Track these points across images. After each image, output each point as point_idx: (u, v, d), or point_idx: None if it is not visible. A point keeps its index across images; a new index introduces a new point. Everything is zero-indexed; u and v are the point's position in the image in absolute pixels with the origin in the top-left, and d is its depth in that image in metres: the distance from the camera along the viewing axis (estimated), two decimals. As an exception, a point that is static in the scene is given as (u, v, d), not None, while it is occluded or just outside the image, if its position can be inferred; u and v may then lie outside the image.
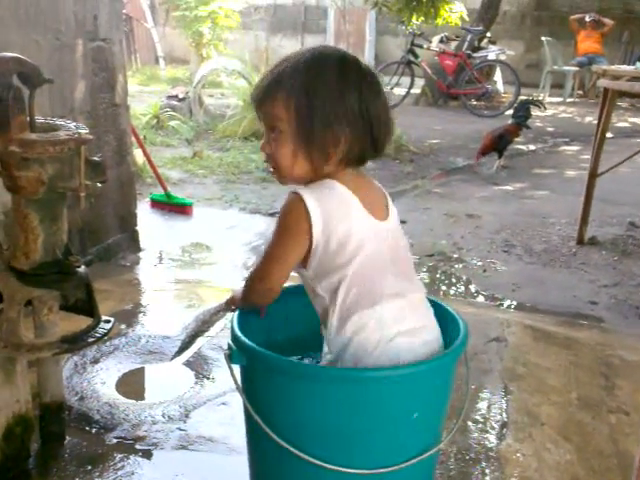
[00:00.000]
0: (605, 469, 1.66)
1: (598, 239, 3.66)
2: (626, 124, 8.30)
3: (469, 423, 1.84)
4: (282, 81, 1.16)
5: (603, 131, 3.37)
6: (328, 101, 1.13)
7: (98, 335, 1.56)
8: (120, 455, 1.64)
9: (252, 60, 7.32)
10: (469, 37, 9.25)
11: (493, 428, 1.83)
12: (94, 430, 1.74)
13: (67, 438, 1.68)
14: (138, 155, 4.14)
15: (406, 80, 9.01)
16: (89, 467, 1.58)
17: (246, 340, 1.18)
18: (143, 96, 7.91)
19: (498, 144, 5.43)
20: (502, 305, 2.81)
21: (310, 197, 1.13)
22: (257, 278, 1.25)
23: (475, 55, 9.22)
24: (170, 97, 6.90)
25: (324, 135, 1.13)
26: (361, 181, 1.21)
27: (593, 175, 3.50)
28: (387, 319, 1.16)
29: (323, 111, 1.13)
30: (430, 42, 9.36)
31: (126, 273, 2.88)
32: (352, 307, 1.16)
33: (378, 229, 1.18)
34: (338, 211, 1.14)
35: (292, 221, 1.15)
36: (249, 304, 1.30)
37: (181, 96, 6.87)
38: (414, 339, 1.18)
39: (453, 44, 9.57)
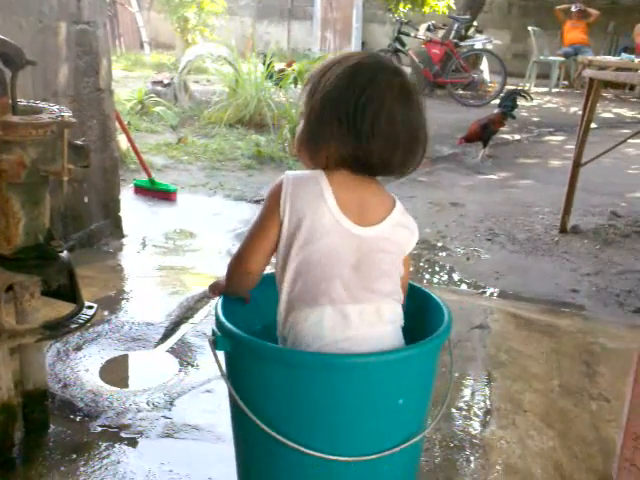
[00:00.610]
0: (587, 456, 1.68)
1: (580, 228, 3.69)
2: (610, 115, 8.36)
3: (453, 410, 1.85)
4: (313, 76, 1.19)
5: (588, 121, 3.38)
6: (326, 102, 1.14)
7: (81, 321, 1.55)
8: (105, 444, 1.63)
9: (238, 46, 7.25)
10: (456, 26, 9.24)
11: (477, 415, 1.85)
12: (78, 418, 1.73)
13: (51, 426, 1.67)
14: (122, 141, 4.10)
15: (392, 68, 8.98)
16: (74, 456, 1.57)
17: (231, 326, 1.17)
18: (127, 81, 7.82)
19: (483, 133, 5.44)
20: (485, 293, 2.83)
21: (288, 179, 1.17)
22: (236, 259, 1.24)
23: (462, 44, 9.22)
24: (155, 83, 6.82)
25: (316, 132, 1.16)
26: (354, 184, 1.17)
27: (577, 165, 3.52)
28: (326, 324, 1.14)
29: (321, 110, 1.15)
30: (417, 30, 9.34)
31: (109, 259, 2.86)
32: (296, 300, 1.17)
33: (347, 231, 1.15)
34: (304, 199, 1.14)
35: (269, 200, 1.18)
36: (231, 289, 1.29)
37: (166, 82, 6.79)
38: (349, 347, 1.15)
39: (440, 33, 9.55)
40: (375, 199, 1.20)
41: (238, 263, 1.24)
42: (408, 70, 9.47)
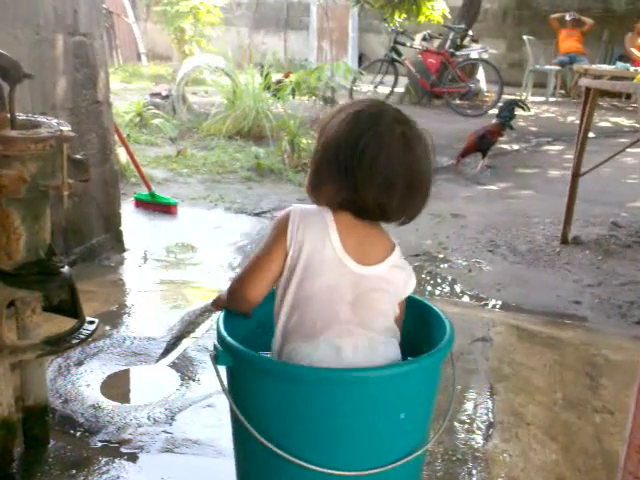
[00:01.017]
0: (590, 468, 1.68)
1: (582, 239, 3.69)
2: (608, 124, 8.38)
3: (456, 423, 1.84)
4: (322, 121, 1.24)
5: (585, 131, 3.39)
6: (328, 148, 1.18)
7: (82, 336, 1.55)
8: (105, 459, 1.62)
9: (235, 57, 7.28)
10: (451, 35, 9.26)
11: (479, 428, 1.84)
12: (78, 433, 1.72)
13: (51, 442, 1.65)
14: (121, 154, 4.11)
15: (390, 79, 9.02)
16: (74, 471, 1.56)
17: (232, 341, 1.17)
18: (126, 93, 7.84)
19: (480, 144, 5.45)
20: (487, 305, 2.82)
21: (296, 211, 1.20)
22: (236, 282, 1.26)
23: (458, 53, 9.25)
24: (153, 95, 6.84)
25: (319, 175, 1.21)
26: (357, 226, 1.20)
27: (576, 175, 3.53)
28: (318, 357, 1.15)
29: (323, 155, 1.20)
30: (413, 40, 9.37)
31: (110, 274, 2.85)
32: (292, 332, 1.19)
33: (348, 269, 1.17)
34: (310, 234, 1.17)
35: (276, 230, 1.20)
36: (231, 308, 1.30)
37: (164, 94, 6.81)
38: None
39: (436, 42, 9.58)
40: (376, 241, 1.23)
41: (237, 288, 1.25)
42: (405, 80, 9.53)
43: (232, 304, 1.29)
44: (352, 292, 1.18)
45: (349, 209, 1.19)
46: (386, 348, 1.20)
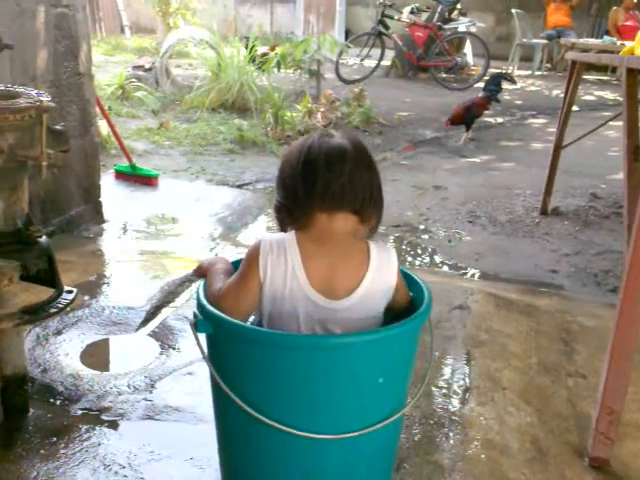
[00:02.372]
0: (563, 430, 1.72)
1: (561, 210, 3.73)
2: (592, 97, 8.39)
3: (433, 388, 1.88)
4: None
5: (569, 104, 3.40)
6: (280, 177, 1.27)
7: (60, 306, 1.55)
8: (86, 426, 1.63)
9: (221, 30, 7.19)
10: (440, 8, 9.19)
11: (456, 393, 1.87)
12: (58, 402, 1.73)
13: (31, 410, 1.66)
14: (103, 126, 4.07)
15: (377, 52, 8.95)
16: (54, 439, 1.58)
17: (212, 309, 1.19)
18: (108, 66, 7.73)
19: (466, 116, 5.45)
20: (466, 274, 2.86)
21: (265, 242, 1.22)
22: (219, 296, 1.24)
23: (445, 27, 9.18)
24: (136, 67, 6.75)
25: (277, 199, 1.27)
26: (324, 251, 1.21)
27: (558, 147, 3.55)
28: None
29: (277, 181, 1.28)
30: (401, 13, 9.29)
31: (89, 244, 2.84)
32: None
33: (316, 305, 1.20)
34: (276, 269, 1.19)
35: (249, 259, 1.23)
36: None
37: (147, 66, 6.72)
38: None
39: (424, 15, 9.51)
40: (346, 264, 1.23)
41: (220, 300, 1.23)
42: (392, 53, 9.46)
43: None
44: (323, 324, 1.21)
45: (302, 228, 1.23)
46: None
